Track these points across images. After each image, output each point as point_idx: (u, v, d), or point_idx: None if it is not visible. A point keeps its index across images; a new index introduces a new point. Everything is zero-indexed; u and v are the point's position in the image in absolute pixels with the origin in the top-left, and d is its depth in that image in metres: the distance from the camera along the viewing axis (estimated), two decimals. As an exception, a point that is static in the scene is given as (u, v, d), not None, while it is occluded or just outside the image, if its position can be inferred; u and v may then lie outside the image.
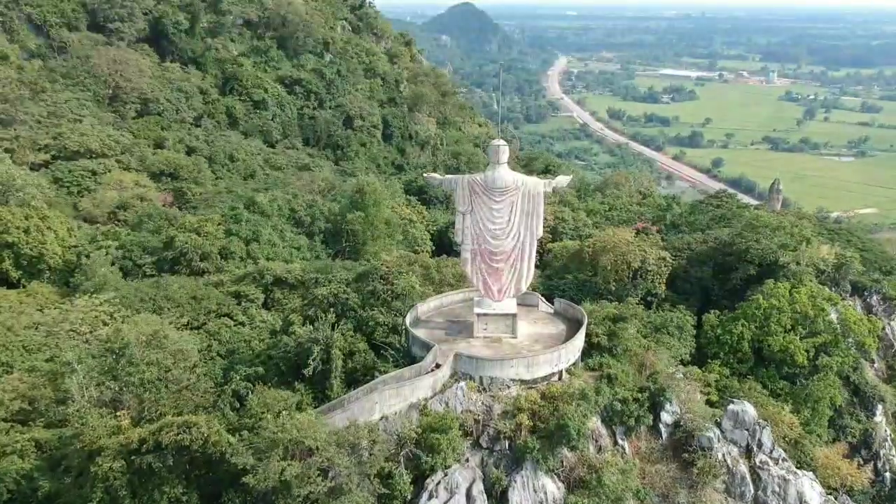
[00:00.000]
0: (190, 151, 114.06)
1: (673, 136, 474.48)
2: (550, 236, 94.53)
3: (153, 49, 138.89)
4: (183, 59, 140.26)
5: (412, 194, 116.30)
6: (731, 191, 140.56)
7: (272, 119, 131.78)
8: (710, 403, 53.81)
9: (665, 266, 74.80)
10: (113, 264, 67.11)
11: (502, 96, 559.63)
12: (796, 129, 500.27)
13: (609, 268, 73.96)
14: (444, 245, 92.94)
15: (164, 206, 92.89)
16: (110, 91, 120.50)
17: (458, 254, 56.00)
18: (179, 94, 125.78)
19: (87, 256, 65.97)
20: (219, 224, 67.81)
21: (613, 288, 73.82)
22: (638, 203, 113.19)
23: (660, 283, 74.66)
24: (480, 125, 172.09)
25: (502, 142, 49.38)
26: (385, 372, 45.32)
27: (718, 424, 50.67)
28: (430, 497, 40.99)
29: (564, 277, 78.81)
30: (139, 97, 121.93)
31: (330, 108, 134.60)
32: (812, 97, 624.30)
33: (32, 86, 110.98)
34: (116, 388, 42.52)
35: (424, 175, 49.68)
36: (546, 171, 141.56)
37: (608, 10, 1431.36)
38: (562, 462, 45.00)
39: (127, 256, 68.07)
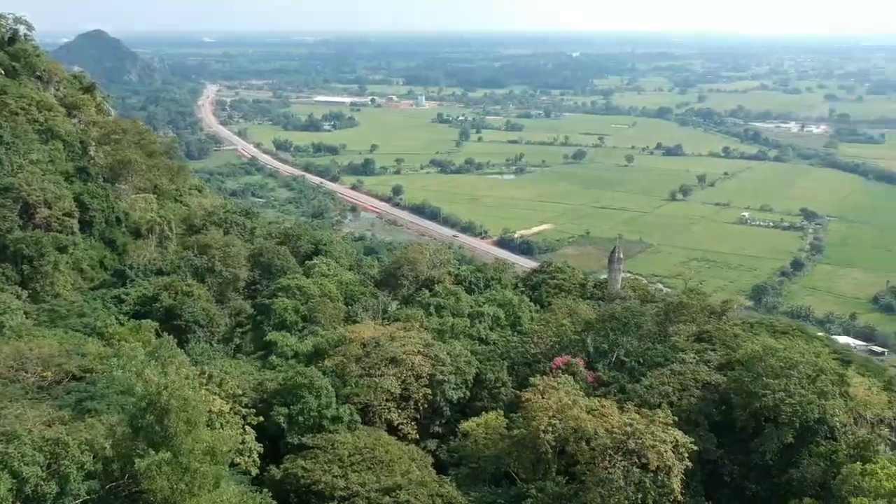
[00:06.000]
0: None
1: (345, 164, 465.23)
2: (428, 391, 62.73)
3: None
4: None
5: (164, 319, 75.33)
6: (564, 262, 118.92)
7: None
8: None
9: (686, 456, 47.68)
10: None
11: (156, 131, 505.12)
12: (457, 150, 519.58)
13: (614, 477, 44.93)
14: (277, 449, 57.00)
15: None
16: None
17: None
18: None
19: None
20: None
21: None
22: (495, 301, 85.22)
23: (674, 484, 47.44)
24: (199, 190, 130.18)
25: None
26: None
27: None
28: None
29: (525, 490, 48.27)
30: None
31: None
32: (462, 118, 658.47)
33: None
34: None
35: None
36: (316, 253, 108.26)
37: (245, 37, 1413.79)
38: None
39: None
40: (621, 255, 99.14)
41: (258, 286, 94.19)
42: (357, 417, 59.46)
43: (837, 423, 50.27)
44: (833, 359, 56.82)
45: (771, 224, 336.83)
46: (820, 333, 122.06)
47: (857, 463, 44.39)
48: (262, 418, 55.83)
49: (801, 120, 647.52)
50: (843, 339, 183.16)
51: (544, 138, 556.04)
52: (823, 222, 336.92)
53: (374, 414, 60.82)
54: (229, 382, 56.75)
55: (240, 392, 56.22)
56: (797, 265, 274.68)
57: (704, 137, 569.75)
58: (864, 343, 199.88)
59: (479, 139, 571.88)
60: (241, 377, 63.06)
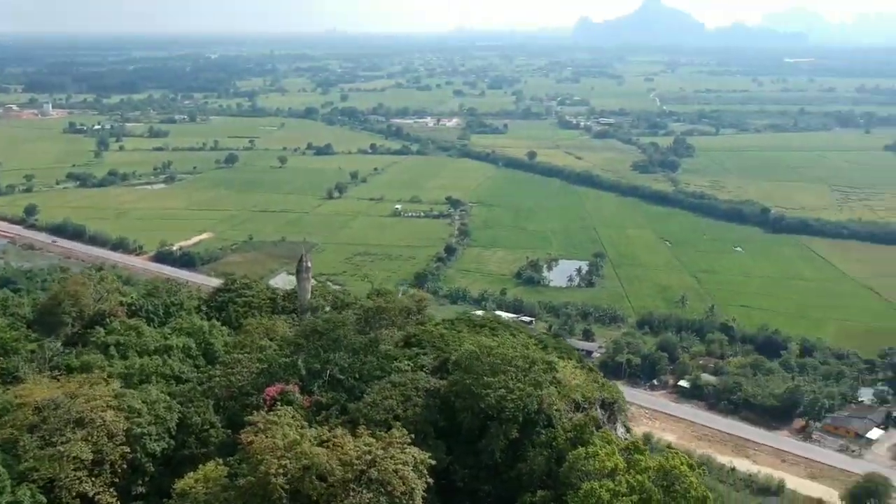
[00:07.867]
0: None
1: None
2: (126, 449, 54.66)
3: None
4: None
5: None
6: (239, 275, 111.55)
7: None
8: None
9: (425, 472, 46.25)
10: None
11: None
12: (97, 161, 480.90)
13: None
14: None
15: None
16: None
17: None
18: None
19: None
20: None
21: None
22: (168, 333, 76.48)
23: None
24: None
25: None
26: None
27: None
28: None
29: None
30: None
31: None
32: (98, 127, 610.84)
33: None
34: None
35: None
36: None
37: None
38: None
39: None
40: (309, 264, 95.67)
41: None
42: (42, 498, 50.17)
43: (554, 411, 53.08)
44: (538, 347, 60.01)
45: (422, 214, 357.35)
46: (508, 317, 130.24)
47: (580, 448, 47.09)
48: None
49: (435, 115, 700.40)
50: (499, 314, 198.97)
51: (192, 143, 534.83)
52: (467, 208, 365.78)
53: (63, 489, 51.75)
54: None
55: None
56: (450, 250, 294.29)
57: (351, 135, 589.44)
58: (516, 315, 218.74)
59: (121, 148, 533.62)
60: None
